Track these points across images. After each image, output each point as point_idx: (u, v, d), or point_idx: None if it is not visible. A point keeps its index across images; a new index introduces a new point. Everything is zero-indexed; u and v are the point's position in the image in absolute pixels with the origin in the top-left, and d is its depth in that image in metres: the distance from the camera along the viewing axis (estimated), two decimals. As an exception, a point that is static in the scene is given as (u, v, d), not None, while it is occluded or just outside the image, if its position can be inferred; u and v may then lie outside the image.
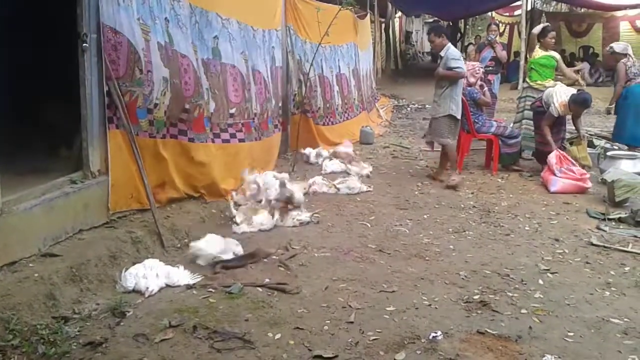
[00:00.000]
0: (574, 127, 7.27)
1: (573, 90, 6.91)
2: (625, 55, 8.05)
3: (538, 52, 7.70)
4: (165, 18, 4.73)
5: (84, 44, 4.13)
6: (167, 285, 3.74)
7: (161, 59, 4.61)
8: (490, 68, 9.12)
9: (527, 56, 8.04)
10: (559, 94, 6.75)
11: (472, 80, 7.40)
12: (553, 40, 7.74)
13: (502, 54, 9.59)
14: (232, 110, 5.72)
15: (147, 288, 3.62)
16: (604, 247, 4.70)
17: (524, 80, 8.09)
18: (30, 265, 3.50)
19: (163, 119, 4.72)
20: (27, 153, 4.73)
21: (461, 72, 6.54)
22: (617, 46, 8.29)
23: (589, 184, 6.43)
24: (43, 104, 5.53)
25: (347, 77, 9.88)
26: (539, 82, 7.68)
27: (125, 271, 3.74)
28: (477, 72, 7.50)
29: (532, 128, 7.54)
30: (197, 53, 5.15)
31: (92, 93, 4.22)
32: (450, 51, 6.63)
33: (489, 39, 9.49)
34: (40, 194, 3.81)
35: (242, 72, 5.90)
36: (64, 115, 4.85)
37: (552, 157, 6.57)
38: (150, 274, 3.71)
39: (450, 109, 6.52)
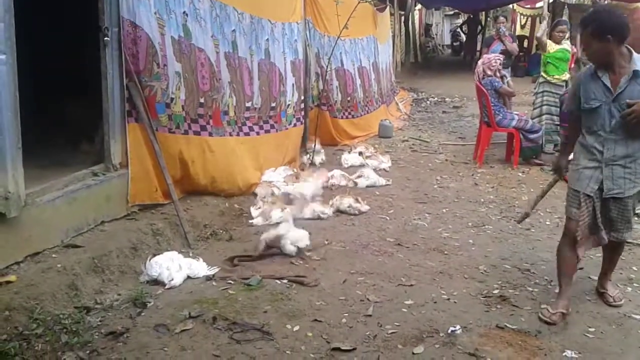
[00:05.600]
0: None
1: None
2: None
3: (553, 47, 7.59)
4: (184, 12, 4.75)
5: (105, 38, 4.16)
6: (188, 277, 3.78)
7: (174, 54, 4.63)
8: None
9: (542, 53, 7.91)
10: None
11: (489, 73, 7.32)
12: (560, 34, 7.59)
13: (512, 46, 9.39)
14: (248, 104, 5.73)
15: (172, 280, 3.66)
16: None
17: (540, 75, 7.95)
18: (54, 255, 3.56)
19: (182, 114, 4.74)
20: (49, 146, 4.79)
21: None
22: None
23: None
24: (64, 98, 5.59)
25: (368, 71, 9.84)
26: (556, 76, 7.59)
27: (149, 260, 3.77)
28: (494, 64, 7.38)
29: (553, 122, 7.56)
30: (218, 47, 5.16)
31: (113, 87, 4.25)
32: None
33: (500, 31, 9.32)
34: (63, 186, 3.86)
35: (248, 65, 5.80)
36: (84, 108, 4.91)
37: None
38: (172, 266, 3.75)
39: None
